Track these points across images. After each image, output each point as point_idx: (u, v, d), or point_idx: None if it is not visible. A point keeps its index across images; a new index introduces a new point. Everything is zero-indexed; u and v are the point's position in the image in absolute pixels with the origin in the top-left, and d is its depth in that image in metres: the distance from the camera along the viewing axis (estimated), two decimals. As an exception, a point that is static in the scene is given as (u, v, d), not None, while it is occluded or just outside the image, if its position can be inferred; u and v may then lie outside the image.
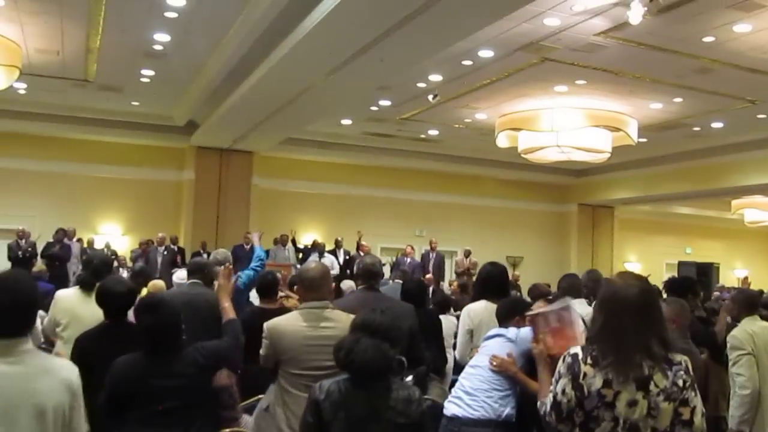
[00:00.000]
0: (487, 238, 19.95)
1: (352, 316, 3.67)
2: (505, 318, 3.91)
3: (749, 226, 21.66)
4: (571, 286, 5.28)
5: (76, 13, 10.20)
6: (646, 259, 22.86)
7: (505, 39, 10.31)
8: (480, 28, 8.60)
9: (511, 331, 3.73)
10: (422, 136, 17.43)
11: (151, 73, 12.96)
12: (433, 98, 13.11)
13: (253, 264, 6.24)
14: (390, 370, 2.81)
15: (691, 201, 21.55)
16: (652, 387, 2.43)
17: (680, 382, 2.47)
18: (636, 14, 8.57)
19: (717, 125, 15.04)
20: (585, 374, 2.45)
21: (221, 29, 10.54)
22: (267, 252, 9.16)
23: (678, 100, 13.32)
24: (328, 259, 13.81)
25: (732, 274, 23.30)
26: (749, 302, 4.83)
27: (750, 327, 4.66)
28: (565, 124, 13.41)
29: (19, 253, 12.89)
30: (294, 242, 15.43)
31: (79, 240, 14.82)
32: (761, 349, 4.56)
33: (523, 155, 14.88)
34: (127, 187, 17.03)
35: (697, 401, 2.51)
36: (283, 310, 5.25)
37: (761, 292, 5.44)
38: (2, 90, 12.64)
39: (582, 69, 11.67)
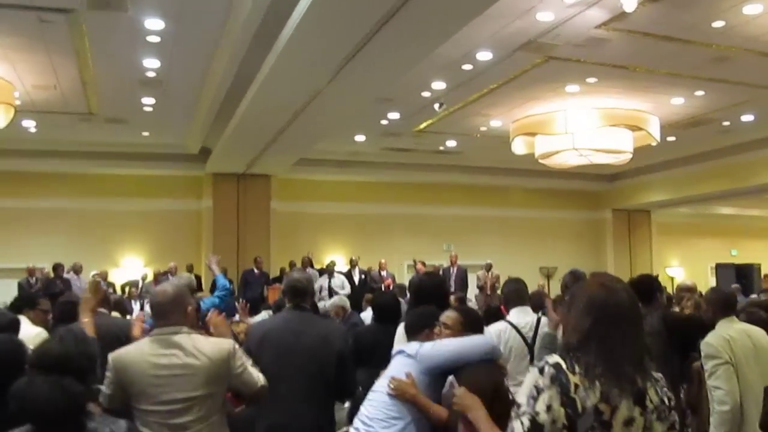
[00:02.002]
0: (518, 250, 19.37)
1: (215, 340, 3.26)
2: (413, 331, 3.35)
3: (796, 223, 20.61)
4: (513, 293, 4.76)
5: (62, 46, 10.03)
6: (688, 263, 21.91)
7: (501, 39, 9.83)
8: (460, 27, 8.11)
9: (412, 346, 3.17)
10: (441, 148, 16.95)
11: (152, 101, 12.78)
12: (439, 107, 12.66)
13: (216, 292, 5.83)
14: (79, 409, 2.33)
15: (732, 200, 20.56)
16: (648, 402, 2.05)
17: (666, 400, 2.11)
18: (630, 1, 8.04)
19: (747, 118, 14.25)
20: (576, 386, 1.99)
21: (208, 49, 10.27)
22: (230, 280, 8.71)
23: (700, 93, 12.62)
24: (338, 279, 13.40)
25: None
26: (725, 302, 4.18)
27: (726, 331, 4.02)
28: (581, 126, 12.82)
29: (32, 291, 12.72)
30: (311, 264, 15.07)
31: (97, 274, 14.64)
32: (740, 357, 3.93)
33: (540, 161, 14.30)
34: (146, 219, 16.92)
35: (678, 423, 2.17)
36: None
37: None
38: (12, 130, 12.77)
39: (590, 66, 11.10)
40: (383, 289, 13.89)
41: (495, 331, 4.55)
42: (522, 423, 1.98)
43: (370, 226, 18.45)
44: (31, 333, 4.18)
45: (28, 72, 11.09)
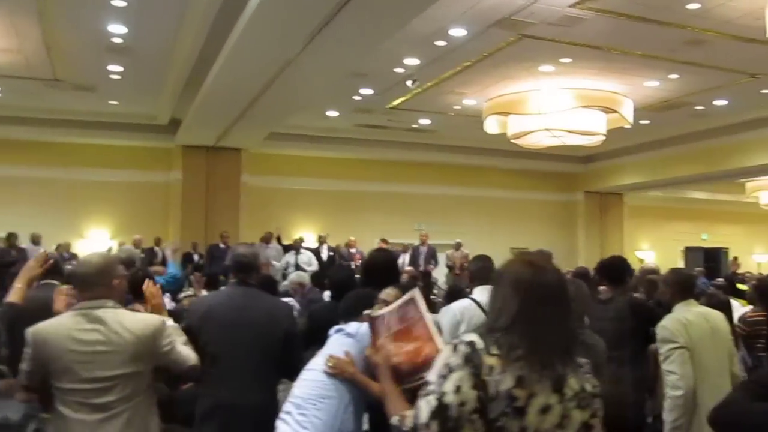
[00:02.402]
0: (490, 230, 19.32)
1: (142, 316, 3.12)
2: (349, 314, 3.22)
3: (765, 208, 20.70)
4: (478, 271, 4.65)
5: (24, 7, 9.73)
6: (659, 247, 22.06)
7: (475, 15, 9.68)
8: (433, 0, 7.95)
9: (352, 326, 3.07)
10: (414, 125, 16.80)
11: (119, 69, 12.47)
12: (412, 83, 12.50)
13: (164, 277, 5.72)
14: None
15: (704, 185, 20.66)
16: (566, 390, 1.91)
17: (589, 387, 1.98)
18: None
19: (720, 103, 14.25)
20: (491, 368, 1.85)
21: (175, 15, 9.99)
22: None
23: (674, 76, 12.57)
24: (305, 256, 13.24)
25: (751, 260, 22.44)
26: (683, 285, 4.06)
27: (683, 315, 3.91)
28: (554, 106, 12.72)
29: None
30: (279, 240, 14.89)
31: (59, 246, 14.33)
32: (696, 341, 3.83)
33: (512, 141, 14.20)
34: (113, 190, 16.61)
35: (601, 411, 2.03)
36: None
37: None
38: None
39: (565, 46, 10.99)
40: (353, 265, 13.76)
41: (458, 307, 4.49)
42: (428, 402, 1.85)
43: (341, 203, 18.30)
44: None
45: (-12, 34, 10.78)
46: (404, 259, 14.30)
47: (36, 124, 15.41)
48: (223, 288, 4.13)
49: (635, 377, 4.71)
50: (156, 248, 14.48)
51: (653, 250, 22.06)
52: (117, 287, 3.10)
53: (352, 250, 14.94)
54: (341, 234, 16.29)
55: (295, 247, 13.74)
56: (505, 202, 20.11)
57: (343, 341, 3.02)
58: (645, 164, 18.60)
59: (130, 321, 3.01)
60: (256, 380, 3.54)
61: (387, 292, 3.11)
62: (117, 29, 10.49)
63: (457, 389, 1.83)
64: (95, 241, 16.19)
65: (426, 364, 2.52)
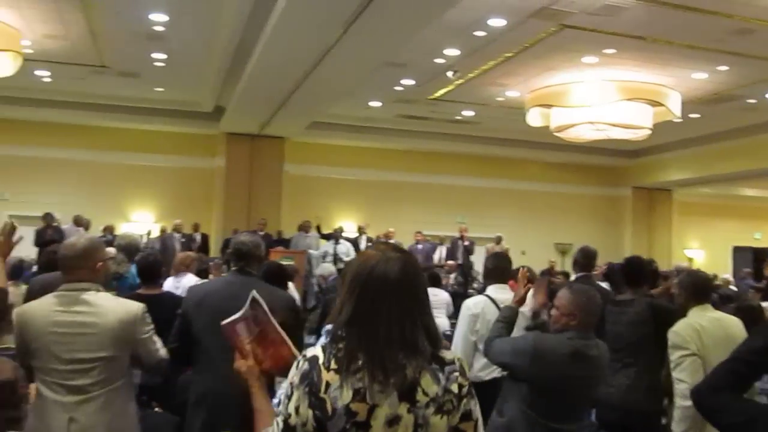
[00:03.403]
0: (534, 225, 19.12)
1: (124, 301, 3.13)
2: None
3: (821, 207, 20.00)
4: (492, 270, 4.58)
5: (67, -6, 9.92)
6: (710, 246, 21.46)
7: (513, 5, 9.54)
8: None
9: None
10: (457, 117, 16.63)
11: (162, 56, 12.61)
12: (453, 74, 12.36)
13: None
14: None
15: (756, 181, 19.95)
16: (419, 395, 1.74)
17: (455, 388, 1.79)
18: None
19: (773, 96, 13.77)
20: (328, 384, 1.73)
21: (215, 4, 10.04)
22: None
23: (723, 68, 12.16)
24: (344, 246, 13.24)
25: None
26: (699, 288, 3.85)
27: (697, 320, 3.71)
28: (598, 99, 12.45)
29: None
30: (319, 229, 14.92)
31: (106, 228, 14.59)
32: (709, 348, 3.61)
33: (555, 134, 13.94)
34: (158, 175, 16.93)
35: (478, 412, 1.84)
36: (166, 296, 4.73)
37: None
38: (26, 79, 13.21)
39: (607, 36, 10.72)
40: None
41: (473, 302, 4.54)
42: (277, 424, 1.78)
43: (382, 194, 18.29)
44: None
45: (36, 20, 10.96)
46: (441, 252, 14.24)
47: (84, 109, 15.74)
48: (222, 275, 4.11)
49: (652, 383, 4.51)
50: (194, 234, 14.66)
51: (703, 249, 21.51)
52: (100, 270, 3.12)
53: (390, 242, 14.91)
54: (381, 224, 16.23)
55: (335, 236, 13.76)
56: (549, 195, 19.78)
57: None
58: (695, 159, 18.08)
59: (112, 305, 3.04)
60: None
61: None
62: (158, 17, 10.60)
63: (297, 410, 1.76)
64: (140, 224, 16.48)
65: (288, 368, 2.39)
